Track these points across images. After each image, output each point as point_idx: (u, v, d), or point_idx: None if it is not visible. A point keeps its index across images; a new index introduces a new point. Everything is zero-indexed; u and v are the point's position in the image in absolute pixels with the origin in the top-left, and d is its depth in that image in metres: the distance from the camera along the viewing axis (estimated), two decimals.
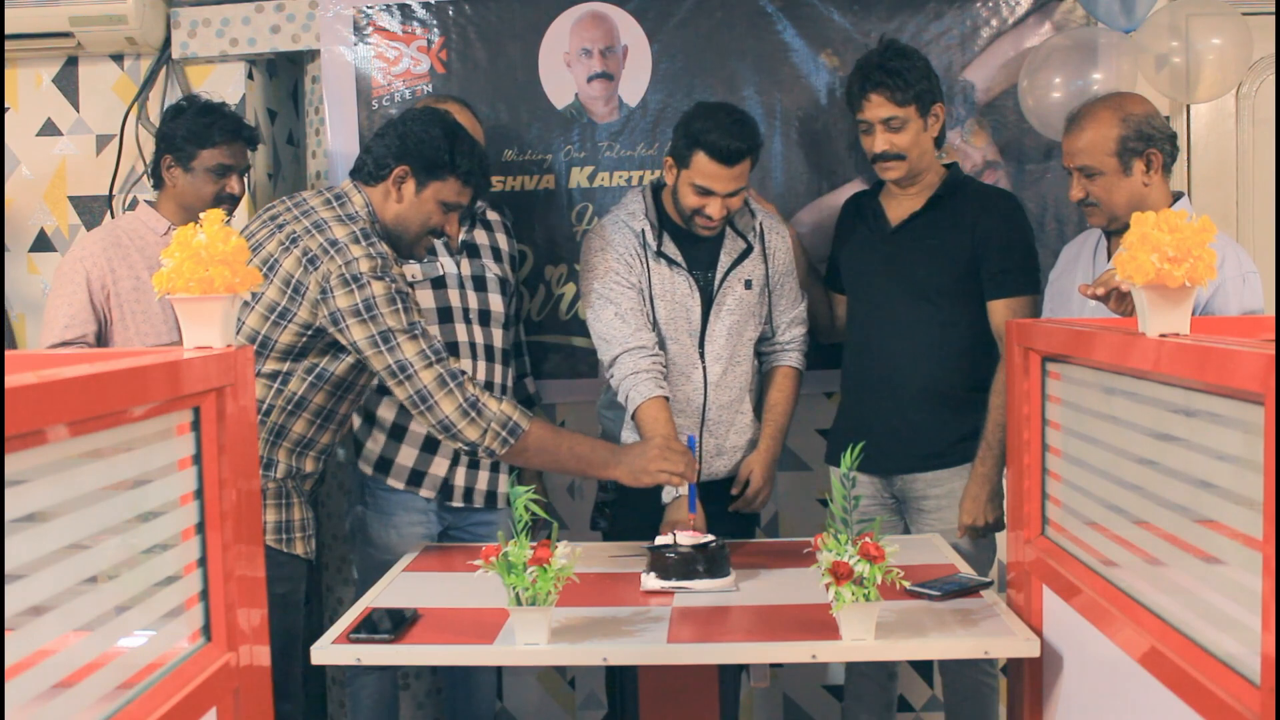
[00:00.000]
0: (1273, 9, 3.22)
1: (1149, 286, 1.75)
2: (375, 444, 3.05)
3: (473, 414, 2.46)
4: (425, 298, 3.00)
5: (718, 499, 3.01)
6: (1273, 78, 3.45)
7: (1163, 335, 1.74)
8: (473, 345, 3.03)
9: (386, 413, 3.04)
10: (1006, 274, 2.95)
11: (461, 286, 3.06)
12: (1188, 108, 3.47)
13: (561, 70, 3.44)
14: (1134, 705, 1.80)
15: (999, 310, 2.94)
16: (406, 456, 3.03)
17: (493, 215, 3.23)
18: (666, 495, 2.88)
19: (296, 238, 2.51)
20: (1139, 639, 1.76)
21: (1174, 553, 1.70)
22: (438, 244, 3.03)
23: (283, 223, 2.55)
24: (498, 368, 3.09)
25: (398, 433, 3.03)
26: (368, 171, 2.61)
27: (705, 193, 2.85)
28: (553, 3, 3.43)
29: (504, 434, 2.47)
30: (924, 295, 2.99)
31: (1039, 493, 2.27)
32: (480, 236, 3.15)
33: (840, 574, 2.04)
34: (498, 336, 3.09)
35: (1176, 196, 2.71)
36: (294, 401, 2.57)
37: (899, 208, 3.06)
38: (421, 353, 2.47)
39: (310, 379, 2.57)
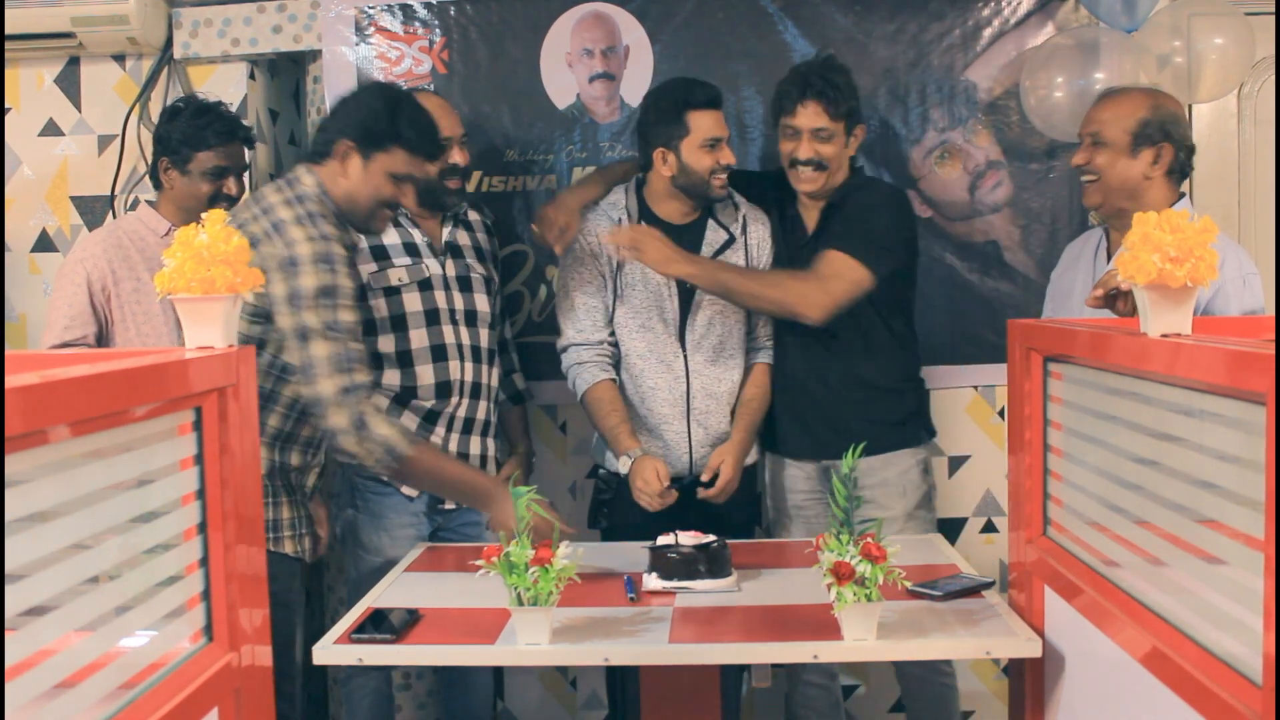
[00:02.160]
0: (1274, 9, 3.22)
1: (1150, 286, 1.75)
2: None
3: (358, 432, 2.46)
4: (412, 300, 3.01)
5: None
6: (1274, 78, 3.45)
7: (1164, 335, 1.74)
8: (459, 346, 3.04)
9: (380, 400, 3.04)
10: (847, 235, 2.94)
11: (447, 288, 3.06)
12: (1190, 107, 3.47)
13: (563, 70, 3.44)
14: (1135, 705, 1.80)
15: (825, 255, 2.92)
16: None
17: (473, 215, 3.24)
18: (623, 466, 2.93)
19: (245, 224, 2.51)
20: (1140, 639, 1.75)
21: (1175, 553, 1.70)
22: (421, 245, 3.04)
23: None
24: (484, 368, 3.10)
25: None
26: (316, 151, 2.61)
27: (715, 144, 2.94)
28: (554, 3, 3.43)
29: (384, 457, 2.48)
30: None
31: (1040, 493, 2.27)
32: (462, 237, 3.16)
33: (842, 574, 2.04)
34: (484, 337, 3.11)
35: (1180, 197, 2.72)
36: (263, 396, 2.55)
37: (810, 217, 3.09)
38: (331, 357, 2.46)
39: (275, 374, 2.57)
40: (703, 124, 2.93)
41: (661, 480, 2.89)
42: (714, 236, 3.05)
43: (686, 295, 3.02)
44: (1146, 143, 2.65)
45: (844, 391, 3.05)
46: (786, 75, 3.02)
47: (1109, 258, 2.76)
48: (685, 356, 3.01)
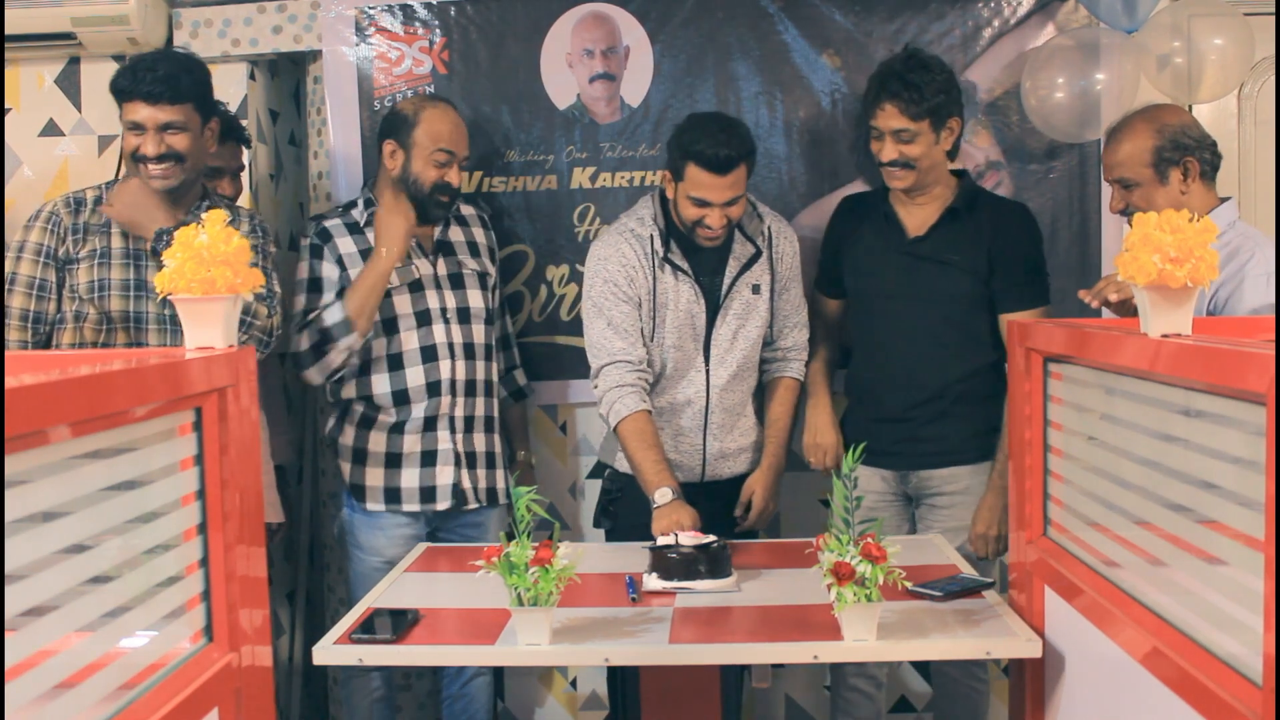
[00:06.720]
0: (1273, 9, 3.22)
1: (1151, 287, 1.75)
2: (344, 471, 3.07)
3: None
4: (403, 302, 3.01)
5: (721, 499, 3.02)
6: (1274, 78, 3.45)
7: (1165, 335, 1.74)
8: (450, 345, 3.04)
9: (347, 440, 3.06)
10: (1019, 288, 2.96)
11: (438, 287, 3.06)
12: (1189, 108, 3.47)
13: (563, 71, 3.44)
14: (1136, 706, 1.80)
15: (1010, 319, 2.91)
16: (374, 478, 3.04)
17: (467, 209, 3.23)
18: (659, 498, 2.80)
19: None
20: (1141, 639, 1.75)
21: (1176, 553, 1.70)
22: (411, 246, 3.02)
23: None
24: (479, 364, 3.10)
25: (360, 456, 3.05)
26: None
27: (702, 204, 2.85)
28: (555, 3, 3.42)
29: None
30: (940, 303, 2.98)
31: (1041, 493, 2.27)
32: (455, 234, 3.16)
33: (842, 574, 2.04)
34: (478, 333, 3.10)
35: (1224, 201, 2.72)
36: None
37: (914, 216, 3.03)
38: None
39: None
40: (697, 180, 2.82)
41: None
42: (741, 250, 3.01)
43: (713, 308, 2.99)
44: (1169, 165, 2.65)
45: (933, 405, 2.99)
46: (873, 73, 2.97)
47: None
48: (708, 372, 2.99)
